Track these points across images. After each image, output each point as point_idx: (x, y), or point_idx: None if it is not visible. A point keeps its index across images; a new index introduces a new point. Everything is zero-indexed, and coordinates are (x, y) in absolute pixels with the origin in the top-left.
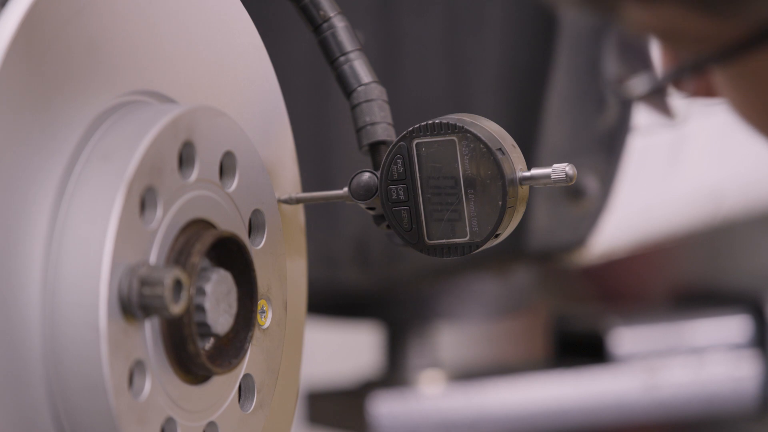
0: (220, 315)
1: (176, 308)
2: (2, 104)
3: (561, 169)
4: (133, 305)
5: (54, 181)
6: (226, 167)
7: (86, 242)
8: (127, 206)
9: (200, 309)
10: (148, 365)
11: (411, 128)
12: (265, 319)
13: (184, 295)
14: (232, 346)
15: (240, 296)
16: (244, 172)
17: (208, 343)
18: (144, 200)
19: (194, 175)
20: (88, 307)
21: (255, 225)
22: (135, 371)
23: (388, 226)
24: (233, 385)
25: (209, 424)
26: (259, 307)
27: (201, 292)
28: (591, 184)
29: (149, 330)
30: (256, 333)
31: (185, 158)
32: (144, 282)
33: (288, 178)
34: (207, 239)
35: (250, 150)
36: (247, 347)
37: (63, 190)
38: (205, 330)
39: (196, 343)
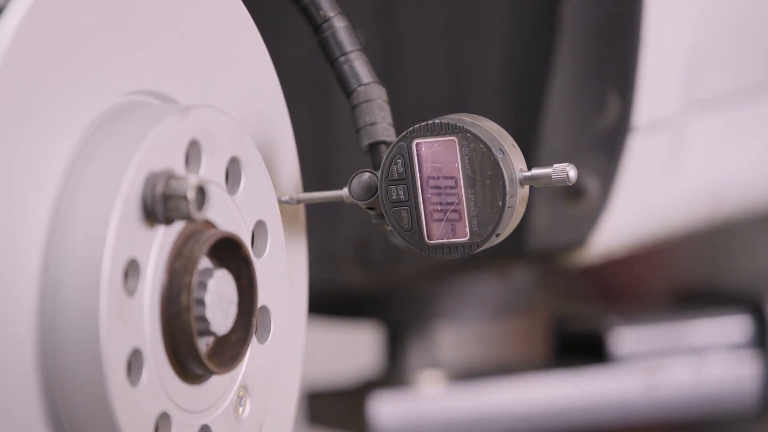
0: (220, 314)
1: (199, 214)
2: (4, 101)
3: (562, 169)
4: (156, 205)
5: (59, 168)
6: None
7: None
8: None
9: (200, 302)
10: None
11: (411, 128)
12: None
13: (205, 207)
14: (230, 348)
15: (240, 301)
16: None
17: (207, 345)
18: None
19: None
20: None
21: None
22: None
23: (388, 226)
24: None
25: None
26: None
27: (202, 286)
28: (591, 184)
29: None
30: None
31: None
32: (168, 186)
33: (289, 178)
34: (210, 236)
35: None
36: (245, 351)
37: (66, 180)
38: (204, 325)
39: (194, 335)
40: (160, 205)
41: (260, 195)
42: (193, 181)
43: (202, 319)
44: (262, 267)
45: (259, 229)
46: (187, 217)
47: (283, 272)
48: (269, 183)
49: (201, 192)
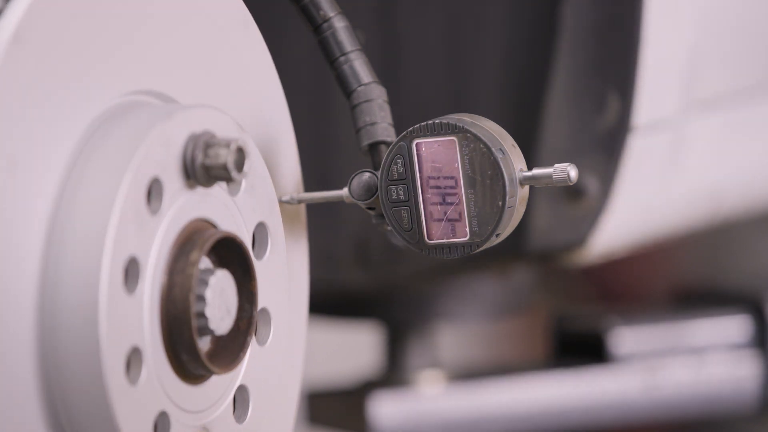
0: (220, 312)
1: (237, 174)
2: (3, 101)
3: (563, 169)
4: (196, 165)
5: (59, 168)
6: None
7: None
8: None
9: (201, 299)
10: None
11: (411, 128)
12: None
13: (243, 172)
14: (229, 349)
15: (240, 303)
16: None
17: (207, 346)
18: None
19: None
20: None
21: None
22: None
23: (388, 226)
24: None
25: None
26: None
27: (204, 282)
28: (591, 184)
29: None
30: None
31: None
32: (211, 138)
33: (290, 178)
34: (213, 235)
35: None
36: (245, 352)
37: (66, 180)
38: (203, 322)
39: (193, 327)
40: (200, 153)
41: (274, 279)
42: (239, 140)
43: (201, 315)
44: (262, 353)
45: (264, 317)
46: (225, 174)
47: (282, 363)
48: (286, 271)
49: (241, 152)
